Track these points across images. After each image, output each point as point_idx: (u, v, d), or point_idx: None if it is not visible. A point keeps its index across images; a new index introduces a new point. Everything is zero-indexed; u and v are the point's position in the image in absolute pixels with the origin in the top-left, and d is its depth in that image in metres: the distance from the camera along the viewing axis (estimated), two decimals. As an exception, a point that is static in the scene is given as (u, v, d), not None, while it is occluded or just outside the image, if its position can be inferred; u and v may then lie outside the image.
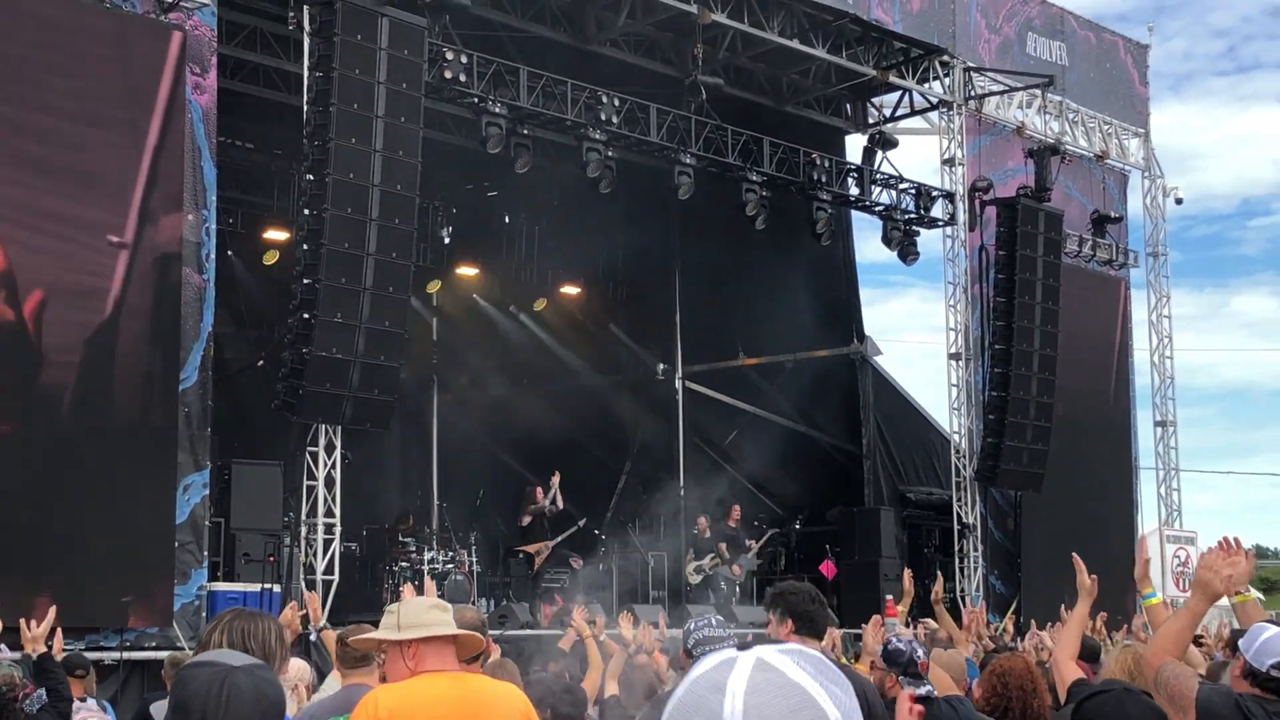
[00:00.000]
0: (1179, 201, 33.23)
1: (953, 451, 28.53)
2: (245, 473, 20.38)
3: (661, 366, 33.05)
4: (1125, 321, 32.14)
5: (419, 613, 5.86)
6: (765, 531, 28.25)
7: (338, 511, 19.99)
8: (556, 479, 26.10)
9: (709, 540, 26.72)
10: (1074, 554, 7.93)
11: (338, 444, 19.96)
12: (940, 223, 28.46)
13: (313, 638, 11.53)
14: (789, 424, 31.62)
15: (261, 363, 24.76)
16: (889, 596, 20.52)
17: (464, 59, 21.53)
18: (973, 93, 28.89)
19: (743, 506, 28.13)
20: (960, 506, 28.17)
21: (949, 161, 28.81)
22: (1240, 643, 6.58)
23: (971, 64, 28.83)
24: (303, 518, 19.94)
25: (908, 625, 11.69)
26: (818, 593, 7.95)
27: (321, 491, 19.75)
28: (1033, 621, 13.00)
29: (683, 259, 32.51)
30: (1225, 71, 79.24)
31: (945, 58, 28.48)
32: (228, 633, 5.07)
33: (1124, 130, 32.37)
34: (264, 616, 5.25)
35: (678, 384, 32.86)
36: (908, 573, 12.22)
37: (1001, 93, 29.46)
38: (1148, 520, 32.29)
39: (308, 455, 19.90)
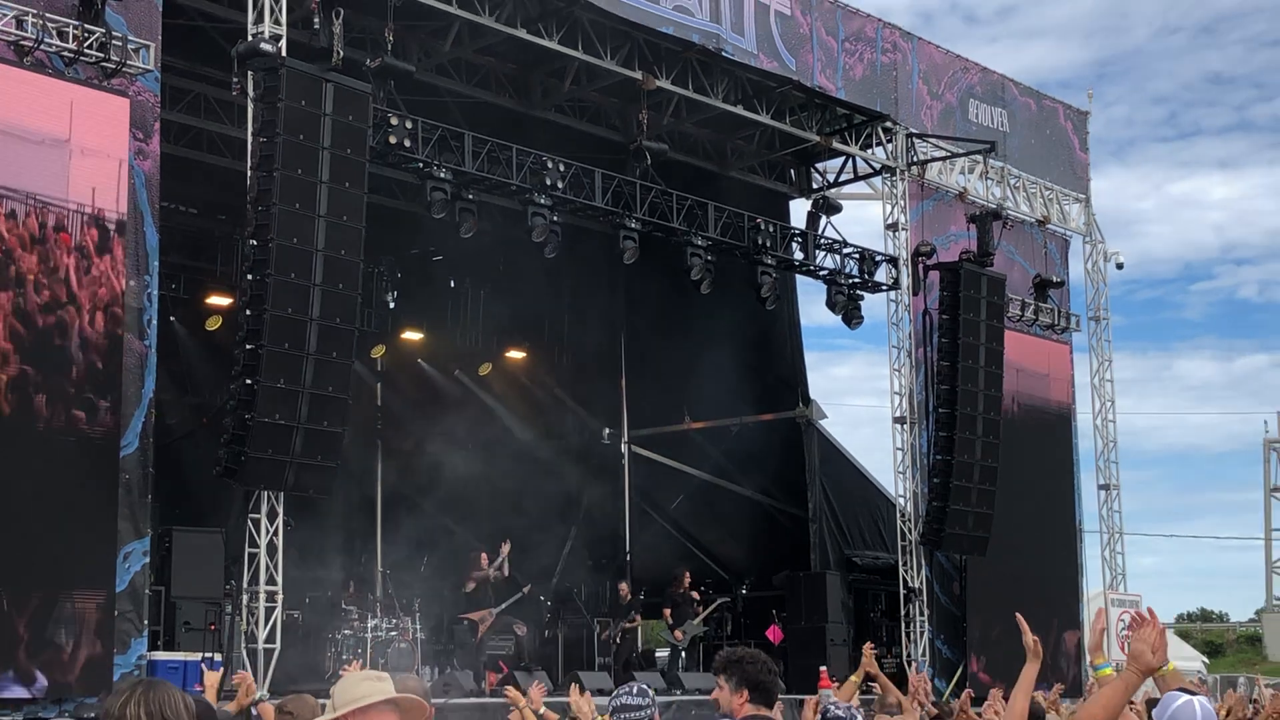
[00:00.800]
0: (1120, 266, 33.58)
1: (898, 515, 28.54)
2: (186, 540, 20.17)
3: (607, 431, 33.02)
4: (1068, 385, 32.32)
5: (353, 686, 5.76)
6: (713, 599, 28.17)
7: (280, 579, 19.77)
8: (506, 548, 25.96)
9: (629, 605, 26.98)
10: (1018, 615, 7.91)
11: (280, 510, 19.76)
12: (884, 287, 28.60)
13: (253, 711, 11.37)
14: (735, 488, 31.62)
15: (204, 426, 24.58)
16: (822, 668, 20.44)
17: (409, 124, 21.53)
18: (915, 158, 29.11)
19: (690, 571, 28.07)
20: (906, 571, 28.16)
21: (892, 226, 28.98)
22: (1154, 712, 6.67)
23: (914, 130, 29.06)
24: (244, 585, 19.72)
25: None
26: (772, 661, 7.90)
27: (263, 559, 19.54)
28: (992, 691, 12.91)
29: (628, 323, 32.55)
30: (1167, 138, 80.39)
31: (888, 124, 28.71)
32: (144, 704, 4.93)
33: (1065, 195, 32.67)
34: (170, 685, 5.11)
35: (623, 448, 32.81)
36: (868, 648, 12.12)
37: (944, 158, 29.70)
38: (1092, 583, 32.44)
39: (250, 522, 19.69)
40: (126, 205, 18.31)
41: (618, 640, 26.80)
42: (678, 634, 26.64)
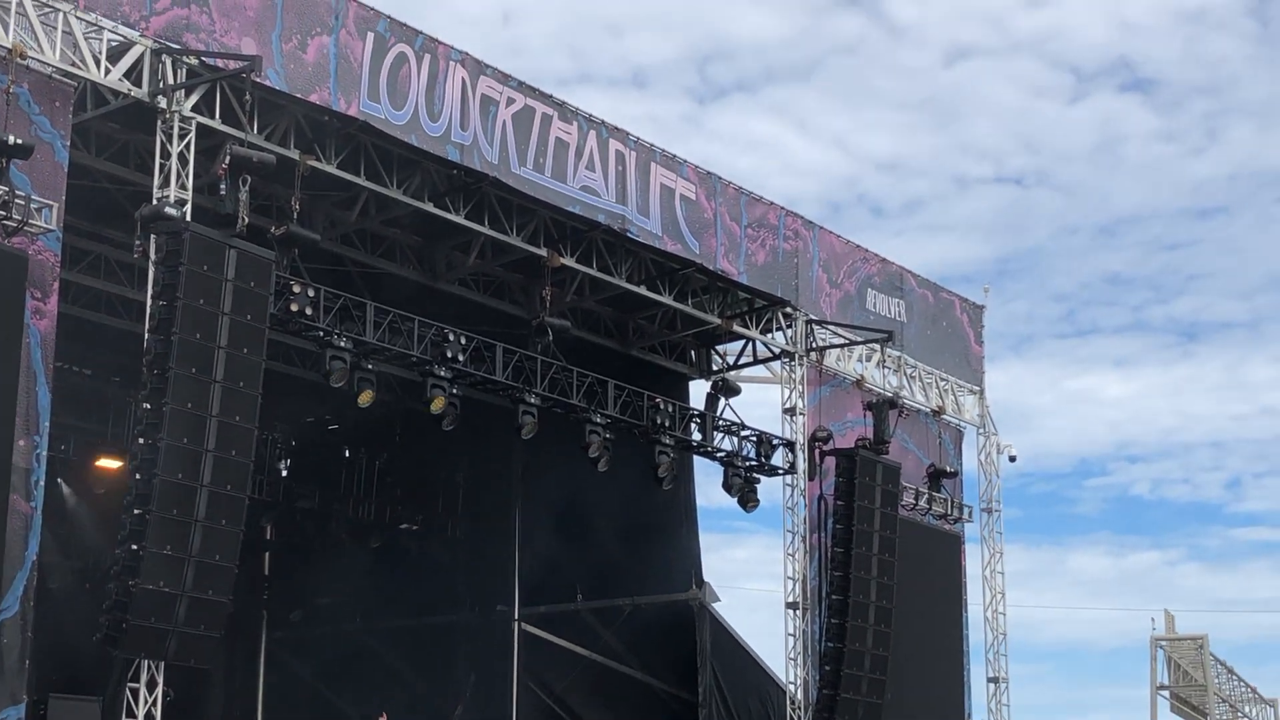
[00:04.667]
0: (1013, 459, 33.88)
1: (788, 702, 28.32)
2: (63, 708, 19.55)
3: (499, 607, 32.60)
4: (960, 576, 32.42)
5: None
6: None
7: (156, 751, 19.22)
8: (384, 721, 25.44)
9: None
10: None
11: (160, 680, 19.28)
12: (780, 471, 28.67)
13: None
14: (625, 669, 31.27)
15: (87, 590, 24.05)
16: None
17: (311, 292, 21.48)
18: (814, 344, 29.40)
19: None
20: (795, 758, 27.88)
21: (790, 411, 29.14)
22: None
23: (813, 316, 29.39)
24: (119, 757, 19.14)
25: None
26: None
27: (141, 730, 19.01)
28: None
29: (524, 498, 32.32)
30: (1065, 334, 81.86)
31: (788, 309, 29.03)
32: None
33: (960, 387, 33.09)
34: None
35: (514, 625, 32.39)
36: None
37: (842, 346, 30.01)
38: (981, 776, 32.23)
39: (128, 691, 19.19)
40: (20, 365, 18.02)
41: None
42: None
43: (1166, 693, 48.21)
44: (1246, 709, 52.78)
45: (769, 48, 77.43)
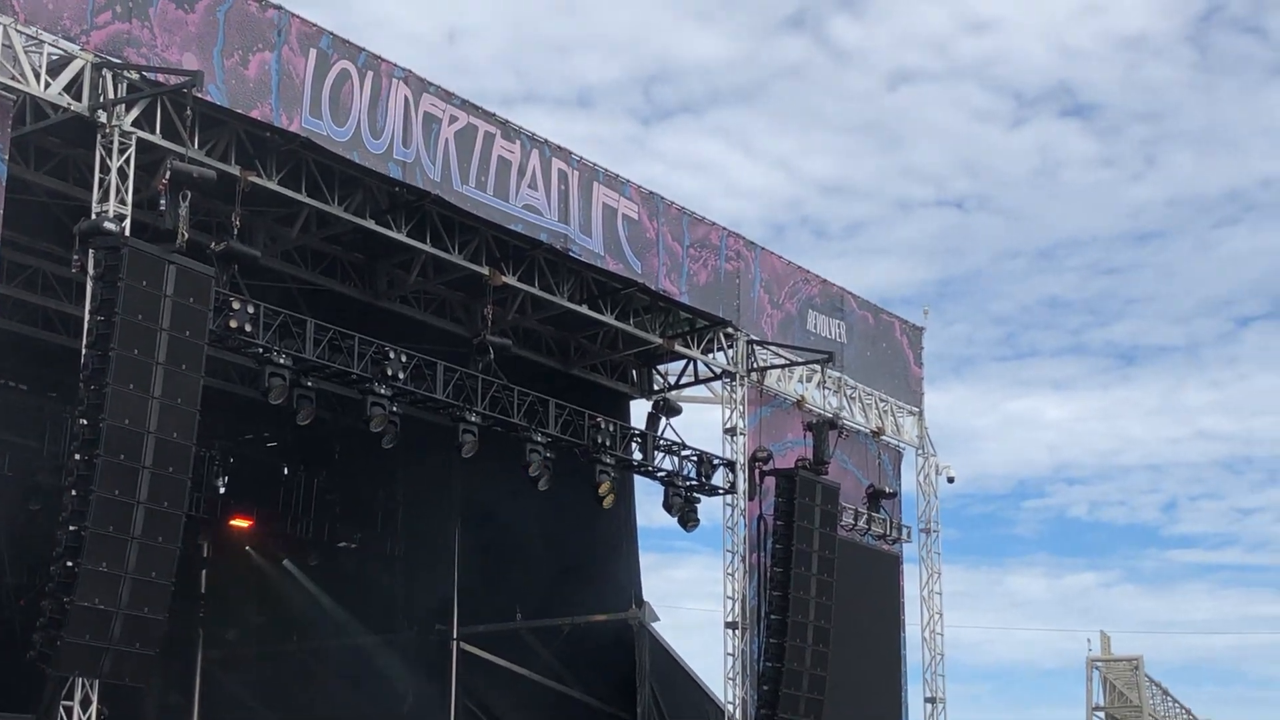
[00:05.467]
0: (951, 480, 34.07)
1: (727, 722, 28.34)
2: (-7, 727, 19.40)
3: (438, 626, 32.48)
4: (898, 596, 32.55)
5: None
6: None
7: (90, 770, 19.05)
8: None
9: None
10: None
11: (94, 698, 19.12)
12: (720, 491, 28.73)
13: None
14: (564, 688, 31.22)
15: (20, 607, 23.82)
16: None
17: (250, 309, 21.37)
18: (755, 365, 29.50)
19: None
20: (733, 778, 27.89)
21: (731, 431, 29.21)
22: None
23: (755, 337, 29.48)
24: (52, 776, 18.96)
25: None
26: None
27: (74, 749, 18.84)
28: None
29: (463, 516, 32.23)
30: (1004, 357, 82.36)
31: (729, 330, 29.11)
32: None
33: (899, 408, 33.26)
34: None
35: (453, 645, 32.27)
36: None
37: (783, 366, 30.12)
38: (918, 797, 32.34)
39: (62, 709, 19.01)
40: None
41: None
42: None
43: (1102, 713, 48.53)
44: (1181, 730, 53.19)
45: (714, 70, 77.78)
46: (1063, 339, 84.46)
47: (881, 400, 32.69)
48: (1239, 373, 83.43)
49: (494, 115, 24.64)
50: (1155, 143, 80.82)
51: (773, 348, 29.90)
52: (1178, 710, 52.53)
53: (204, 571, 31.63)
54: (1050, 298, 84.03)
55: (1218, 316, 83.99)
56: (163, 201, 19.83)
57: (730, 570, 28.71)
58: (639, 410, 30.47)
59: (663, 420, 28.38)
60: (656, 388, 30.83)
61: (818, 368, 30.62)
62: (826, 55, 77.75)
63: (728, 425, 29.32)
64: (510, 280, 25.08)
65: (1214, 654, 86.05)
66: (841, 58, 78.00)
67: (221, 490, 30.33)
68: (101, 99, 19.71)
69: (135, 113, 19.98)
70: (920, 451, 33.92)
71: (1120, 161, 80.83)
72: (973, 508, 77.74)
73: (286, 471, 32.21)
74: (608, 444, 26.78)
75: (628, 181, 26.99)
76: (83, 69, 19.67)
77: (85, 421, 18.69)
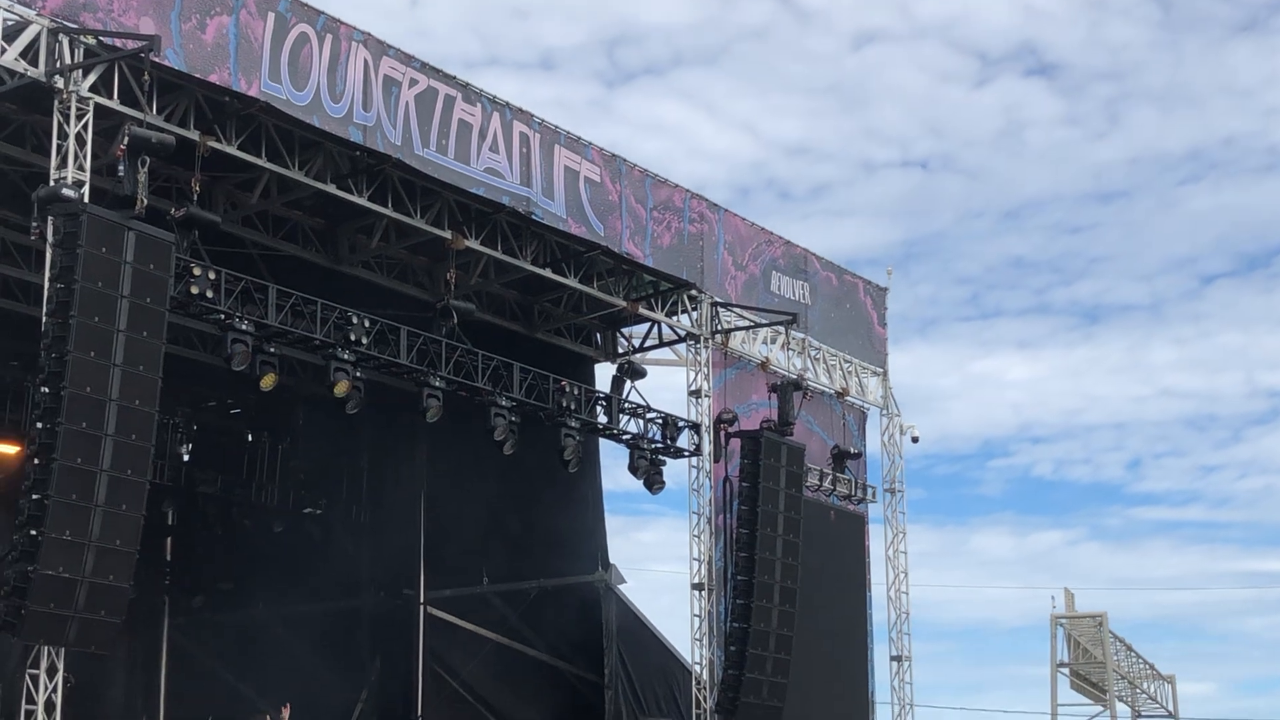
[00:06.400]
0: (915, 440, 34.24)
1: (694, 683, 28.46)
2: (-41, 696, 19.35)
3: (405, 591, 32.50)
4: (864, 556, 32.69)
5: None
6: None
7: (56, 739, 19.02)
8: (287, 711, 25.20)
9: None
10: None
11: (60, 666, 19.07)
12: (686, 453, 28.76)
13: None
14: (531, 652, 31.28)
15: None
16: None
17: (212, 275, 21.24)
18: (719, 327, 29.51)
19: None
20: (701, 739, 28.01)
21: (695, 393, 29.24)
22: None
23: (719, 299, 29.49)
24: (19, 745, 18.93)
25: None
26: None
27: (41, 716, 18.79)
28: None
29: (429, 481, 32.23)
30: (969, 317, 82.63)
31: (693, 292, 29.10)
32: None
33: (864, 369, 33.35)
34: None
35: (420, 609, 32.30)
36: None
37: (747, 328, 30.14)
38: (884, 754, 32.55)
39: (28, 677, 18.96)
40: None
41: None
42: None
43: (1066, 670, 48.89)
44: (1145, 685, 53.66)
45: (677, 32, 77.70)
46: (1027, 299, 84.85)
47: (846, 361, 32.77)
48: (1203, 330, 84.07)
49: (455, 78, 24.53)
50: (1118, 101, 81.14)
51: (737, 310, 29.91)
52: (1141, 665, 52.97)
53: (169, 539, 31.55)
54: (1015, 258, 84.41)
55: (1181, 274, 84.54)
56: (121, 167, 19.67)
57: (696, 532, 28.77)
58: (603, 373, 30.50)
59: (627, 383, 28.37)
60: (621, 351, 30.82)
61: (782, 329, 30.66)
62: (790, 16, 77.80)
63: (692, 388, 29.34)
64: (473, 244, 25.00)
65: (1177, 610, 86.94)
66: (805, 19, 78.04)
67: (185, 457, 30.23)
68: (58, 64, 19.54)
69: (92, 78, 19.82)
70: (885, 412, 34.04)
71: (1084, 121, 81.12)
72: (938, 468, 78.21)
73: (250, 438, 32.13)
74: (573, 407, 26.76)
75: (590, 144, 26.92)
76: (39, 34, 19.49)
77: (47, 390, 18.57)
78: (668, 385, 30.25)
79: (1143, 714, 54.20)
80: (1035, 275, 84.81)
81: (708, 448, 28.86)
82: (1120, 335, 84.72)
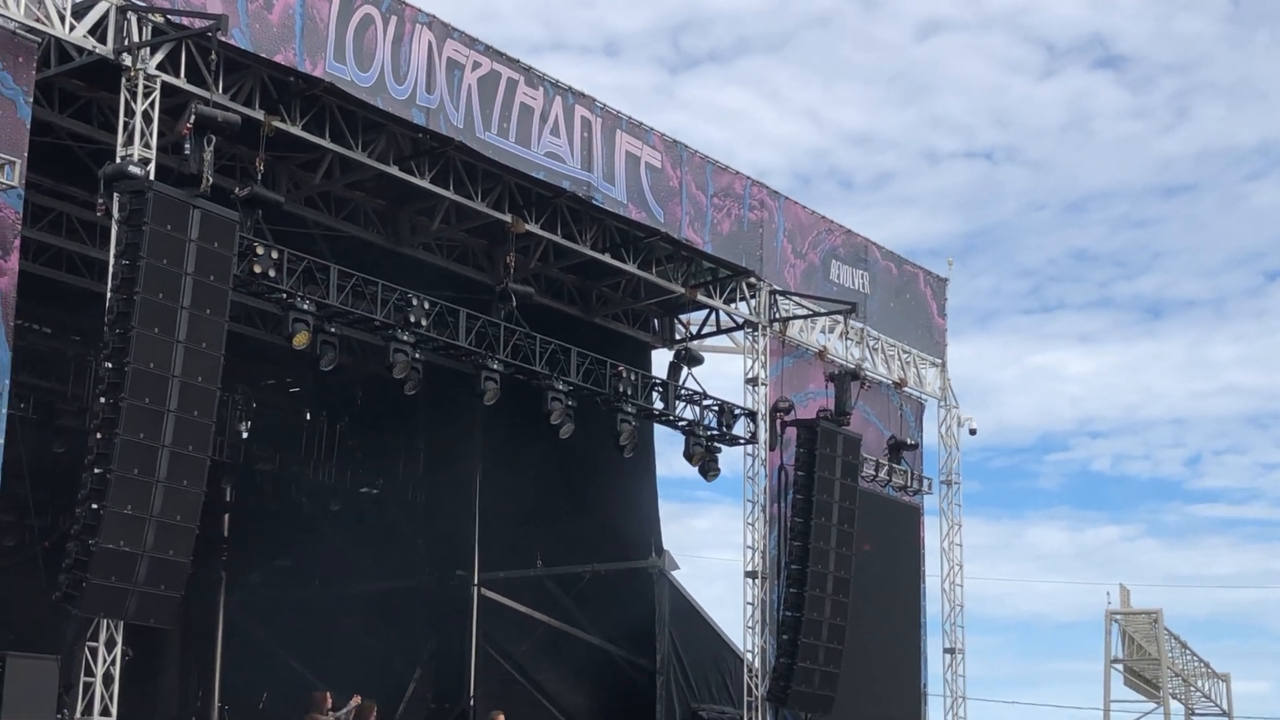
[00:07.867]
0: (973, 432, 34.05)
1: (745, 671, 28.46)
2: (19, 666, 19.47)
3: (459, 572, 32.63)
4: (919, 547, 32.58)
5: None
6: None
7: (114, 710, 19.19)
8: (356, 700, 25.03)
9: None
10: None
11: (119, 639, 19.25)
12: (741, 441, 28.73)
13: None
14: (583, 636, 31.35)
15: (45, 549, 23.97)
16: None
17: (274, 254, 21.38)
18: (777, 315, 29.44)
19: None
20: (751, 726, 28.01)
21: (752, 381, 29.20)
22: None
23: (777, 287, 29.42)
24: (78, 715, 19.12)
25: None
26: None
27: (99, 689, 18.98)
28: None
29: (485, 463, 32.33)
30: (1030, 310, 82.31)
31: (752, 280, 29.05)
32: None
33: (922, 360, 33.21)
34: None
35: (473, 591, 32.44)
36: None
37: (805, 317, 30.06)
38: (935, 746, 32.47)
39: (87, 650, 19.15)
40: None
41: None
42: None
43: (1120, 666, 48.66)
44: (1199, 683, 53.29)
45: (742, 19, 77.52)
46: (1089, 292, 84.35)
47: (904, 351, 32.64)
48: (1266, 327, 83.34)
49: (517, 62, 24.55)
50: (1186, 95, 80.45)
51: (795, 298, 29.84)
52: (1196, 663, 52.62)
53: (226, 516, 31.75)
54: (1077, 250, 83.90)
55: (1246, 270, 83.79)
56: (187, 146, 19.84)
57: (750, 520, 28.76)
58: (660, 359, 30.50)
59: (684, 370, 28.34)
60: (678, 337, 30.82)
61: (840, 318, 30.53)
62: (855, 5, 77.52)
63: (749, 375, 29.31)
64: (532, 228, 25.05)
65: (1235, 608, 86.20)
66: (870, 7, 77.74)
67: (244, 435, 30.43)
68: (126, 42, 19.68)
69: (159, 56, 19.95)
70: (942, 403, 33.90)
71: (1151, 113, 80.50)
72: (995, 460, 77.87)
73: (309, 417, 32.30)
74: (629, 393, 26.78)
75: (651, 129, 26.90)
76: (107, 11, 19.63)
77: (110, 365, 18.75)
78: (724, 373, 30.26)
79: (1197, 712, 53.87)
80: (1098, 269, 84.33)
81: (763, 436, 28.82)
82: (1182, 330, 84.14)
